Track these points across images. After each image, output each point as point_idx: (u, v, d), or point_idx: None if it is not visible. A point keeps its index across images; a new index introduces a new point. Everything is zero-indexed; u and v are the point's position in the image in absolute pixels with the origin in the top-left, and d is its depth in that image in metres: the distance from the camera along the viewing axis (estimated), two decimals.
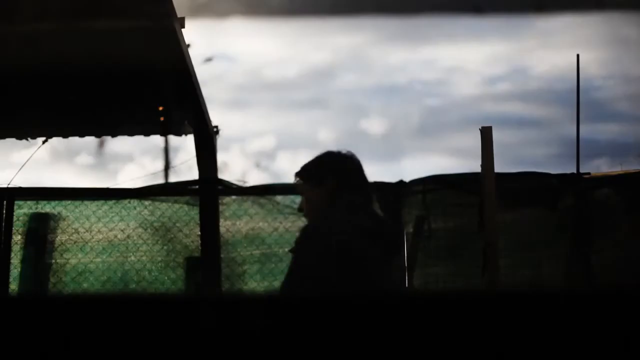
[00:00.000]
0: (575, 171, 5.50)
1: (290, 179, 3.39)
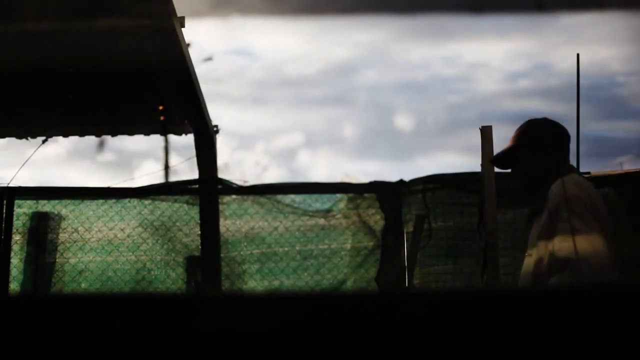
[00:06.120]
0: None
1: (308, 176, 3.41)
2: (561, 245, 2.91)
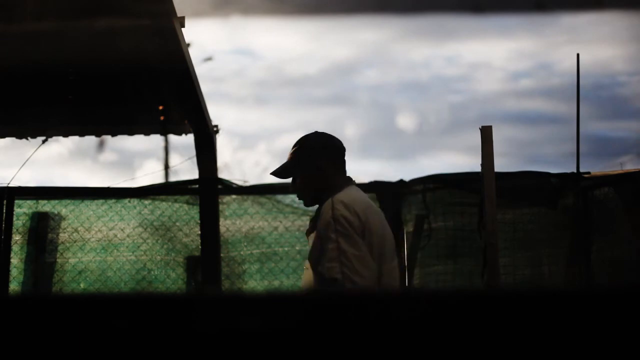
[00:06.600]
0: (579, 170, 5.50)
1: None
2: (328, 265, 3.07)
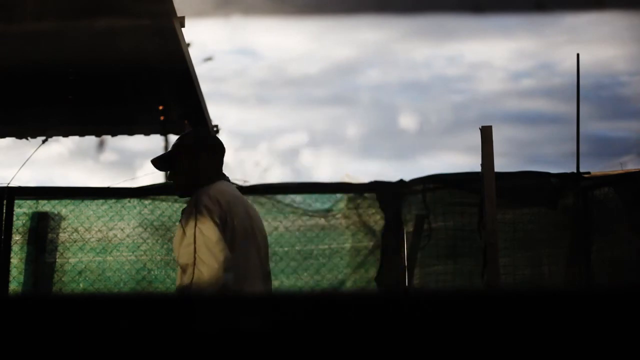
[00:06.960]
0: (579, 170, 5.50)
1: (311, 176, 3.60)
2: (183, 250, 3.27)
